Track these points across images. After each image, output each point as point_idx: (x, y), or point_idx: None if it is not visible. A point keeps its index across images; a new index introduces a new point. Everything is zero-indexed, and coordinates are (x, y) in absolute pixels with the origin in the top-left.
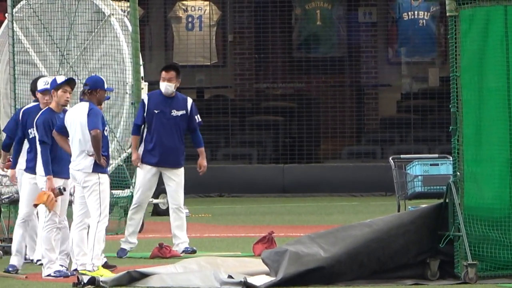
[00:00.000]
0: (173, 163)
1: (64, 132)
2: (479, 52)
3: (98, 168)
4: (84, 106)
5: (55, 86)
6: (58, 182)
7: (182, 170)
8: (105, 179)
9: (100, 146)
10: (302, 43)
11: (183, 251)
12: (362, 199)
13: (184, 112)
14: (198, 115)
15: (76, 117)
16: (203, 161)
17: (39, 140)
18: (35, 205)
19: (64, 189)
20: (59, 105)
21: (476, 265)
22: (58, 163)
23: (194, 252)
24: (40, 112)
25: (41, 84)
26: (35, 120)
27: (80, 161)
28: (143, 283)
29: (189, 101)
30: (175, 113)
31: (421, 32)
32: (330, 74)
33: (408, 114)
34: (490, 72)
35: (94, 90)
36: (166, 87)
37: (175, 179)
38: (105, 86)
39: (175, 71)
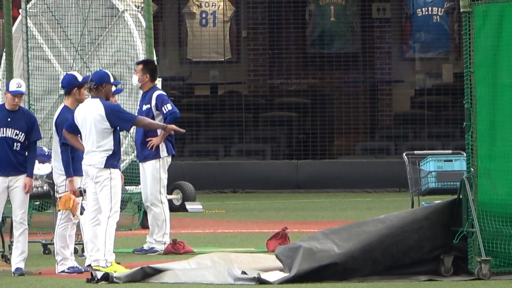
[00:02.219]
0: (139, 157)
1: (75, 130)
2: (493, 48)
3: (110, 163)
4: (96, 102)
5: (78, 84)
6: (77, 180)
7: (149, 163)
8: (116, 174)
9: (152, 125)
10: (316, 39)
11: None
12: (376, 195)
13: (149, 106)
14: (167, 105)
15: (90, 113)
16: (154, 138)
17: (61, 142)
18: (59, 211)
19: (85, 191)
20: (78, 102)
21: (489, 261)
22: (77, 161)
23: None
24: (59, 112)
25: (13, 86)
26: (54, 121)
27: (93, 156)
28: (157, 279)
29: (154, 94)
30: (144, 108)
31: (435, 28)
32: (344, 70)
33: (422, 110)
34: (504, 68)
35: (100, 85)
36: (133, 79)
37: (145, 173)
38: (111, 80)
39: (142, 64)
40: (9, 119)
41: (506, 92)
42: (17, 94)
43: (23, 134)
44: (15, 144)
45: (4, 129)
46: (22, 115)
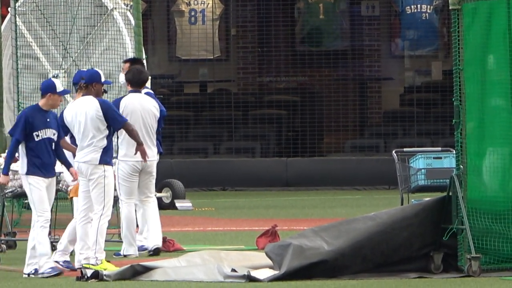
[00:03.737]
0: None
1: (64, 132)
2: (482, 46)
3: (104, 160)
4: (91, 99)
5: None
6: None
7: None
8: (110, 172)
9: (134, 135)
10: (305, 37)
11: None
12: (366, 192)
13: None
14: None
15: (84, 109)
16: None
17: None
18: (71, 198)
19: None
20: None
21: (479, 258)
22: None
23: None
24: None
25: (60, 86)
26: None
27: (88, 153)
28: (147, 277)
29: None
30: None
31: (424, 25)
32: (333, 68)
33: (411, 108)
34: (493, 66)
35: (90, 83)
36: (120, 77)
37: None
38: (102, 79)
39: (129, 62)
40: (48, 120)
41: (495, 89)
42: (64, 94)
43: (56, 132)
44: (53, 144)
45: (45, 130)
46: (52, 114)
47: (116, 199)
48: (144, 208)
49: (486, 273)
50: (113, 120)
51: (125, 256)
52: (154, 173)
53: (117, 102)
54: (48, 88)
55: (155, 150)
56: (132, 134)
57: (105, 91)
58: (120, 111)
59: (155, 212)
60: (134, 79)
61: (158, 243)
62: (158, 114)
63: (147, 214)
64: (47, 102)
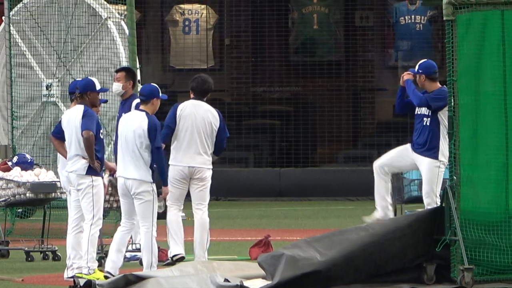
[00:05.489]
0: None
1: (61, 137)
2: (476, 57)
3: (91, 170)
4: (79, 108)
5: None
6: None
7: None
8: (98, 181)
9: (92, 149)
10: (299, 47)
11: None
12: (359, 203)
13: None
14: None
15: (72, 119)
16: None
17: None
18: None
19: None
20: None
21: (472, 269)
22: None
23: None
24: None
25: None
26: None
27: (74, 163)
28: (139, 286)
29: (134, 102)
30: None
31: (418, 36)
32: (326, 78)
33: (404, 118)
34: (487, 77)
35: (85, 93)
36: (114, 87)
37: None
38: (97, 88)
39: (125, 71)
40: None
41: (489, 101)
42: None
43: None
44: None
45: None
46: None
47: None
48: (194, 218)
49: (479, 284)
50: (81, 124)
51: (172, 258)
52: (207, 181)
53: (175, 107)
54: (154, 93)
55: (207, 157)
56: (84, 143)
57: (105, 101)
58: (177, 114)
59: (201, 224)
60: (197, 88)
61: (201, 254)
62: (216, 123)
63: (195, 223)
64: (152, 107)
